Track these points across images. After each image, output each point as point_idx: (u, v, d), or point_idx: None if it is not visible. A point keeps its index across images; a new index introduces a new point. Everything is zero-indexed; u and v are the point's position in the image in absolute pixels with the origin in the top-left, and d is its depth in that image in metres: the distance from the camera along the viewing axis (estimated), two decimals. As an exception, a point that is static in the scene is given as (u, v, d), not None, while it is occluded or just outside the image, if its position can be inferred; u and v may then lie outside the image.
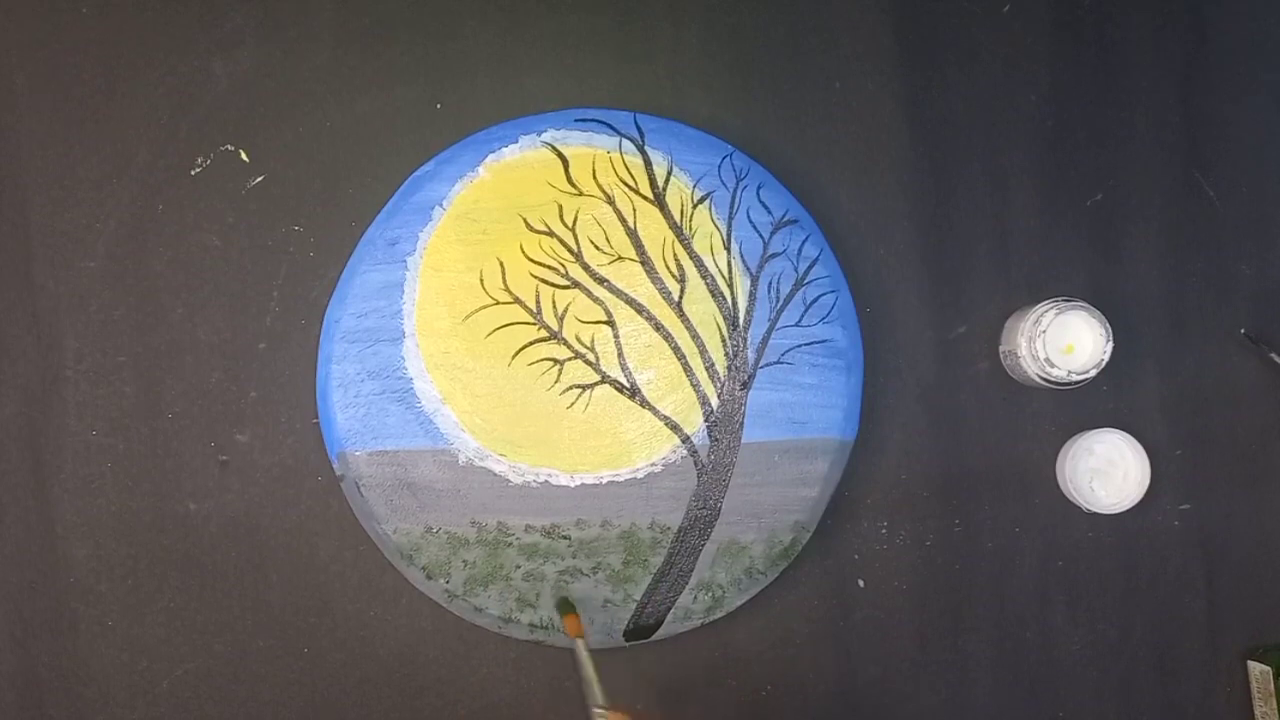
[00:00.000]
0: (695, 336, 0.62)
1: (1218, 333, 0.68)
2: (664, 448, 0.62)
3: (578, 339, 0.62)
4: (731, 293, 0.63)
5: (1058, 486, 0.66)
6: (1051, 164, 0.68)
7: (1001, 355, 0.66)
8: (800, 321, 0.63)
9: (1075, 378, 0.63)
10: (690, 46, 0.66)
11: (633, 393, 0.62)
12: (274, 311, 0.64)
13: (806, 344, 0.63)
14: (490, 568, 0.62)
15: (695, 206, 0.63)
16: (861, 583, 0.66)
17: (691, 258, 0.63)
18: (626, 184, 0.62)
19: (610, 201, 0.62)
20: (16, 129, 0.64)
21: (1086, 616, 0.67)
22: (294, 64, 0.65)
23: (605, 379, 0.62)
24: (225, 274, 0.64)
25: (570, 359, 0.62)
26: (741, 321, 0.63)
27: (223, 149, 0.64)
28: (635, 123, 0.63)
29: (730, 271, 0.63)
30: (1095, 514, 0.65)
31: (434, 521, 0.61)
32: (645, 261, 0.62)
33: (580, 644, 0.58)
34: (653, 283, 0.62)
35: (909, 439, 0.66)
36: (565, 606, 0.61)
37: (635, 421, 0.62)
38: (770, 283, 0.63)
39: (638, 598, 0.62)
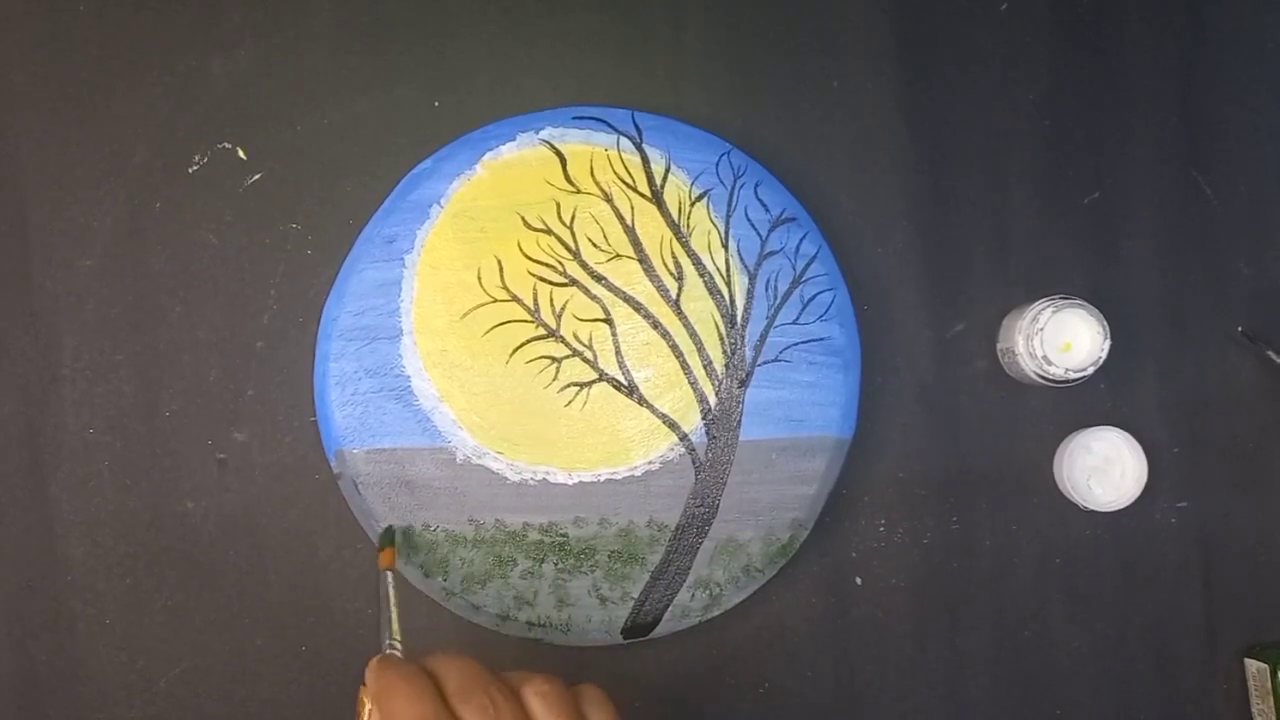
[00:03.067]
0: (693, 334, 0.62)
1: (1216, 331, 0.68)
2: (662, 445, 0.62)
3: (575, 337, 0.62)
4: (729, 290, 0.63)
5: (1055, 484, 0.66)
6: (1049, 162, 0.68)
7: (999, 353, 0.66)
8: (798, 319, 0.63)
9: (1073, 376, 0.63)
10: (688, 45, 0.66)
11: (630, 390, 0.62)
12: (271, 310, 0.64)
13: (804, 342, 0.63)
14: (488, 566, 0.62)
15: (693, 204, 0.63)
16: (859, 580, 0.66)
17: (689, 255, 0.63)
18: (624, 181, 0.62)
19: (608, 199, 0.62)
20: (14, 127, 0.64)
21: (1084, 614, 0.67)
22: (292, 62, 0.65)
23: (603, 377, 0.62)
24: (223, 272, 0.64)
25: (568, 357, 0.62)
26: (739, 319, 0.63)
27: (220, 147, 0.64)
28: (633, 120, 0.63)
29: (728, 269, 0.63)
30: (1093, 512, 0.65)
31: (431, 519, 0.61)
32: (643, 259, 0.63)
33: (389, 576, 0.56)
34: (650, 280, 0.62)
35: (907, 437, 0.66)
36: (387, 538, 0.60)
37: (633, 419, 0.62)
38: (768, 280, 0.63)
39: (635, 596, 0.62)
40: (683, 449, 0.62)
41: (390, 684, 0.46)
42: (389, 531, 0.61)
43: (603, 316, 0.62)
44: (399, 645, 0.52)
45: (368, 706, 0.48)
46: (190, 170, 0.64)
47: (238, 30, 0.65)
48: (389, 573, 0.57)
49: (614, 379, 0.62)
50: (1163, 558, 0.67)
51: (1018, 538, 0.67)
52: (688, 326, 0.63)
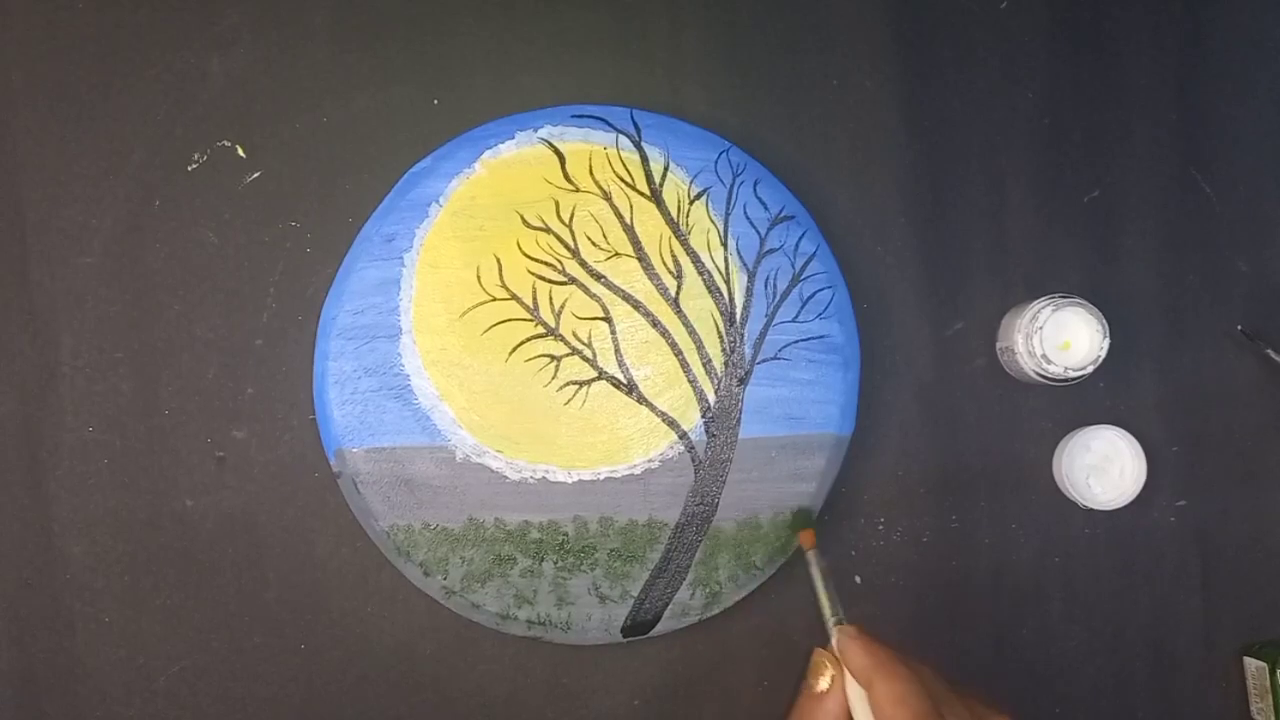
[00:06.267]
0: (692, 332, 0.62)
1: (1215, 330, 0.68)
2: (661, 444, 0.62)
3: (575, 335, 0.62)
4: (728, 289, 0.63)
5: (1054, 483, 0.66)
6: (1048, 161, 0.68)
7: (998, 352, 0.66)
8: (797, 317, 0.63)
9: (1072, 374, 0.63)
10: (688, 43, 0.66)
11: (630, 389, 0.62)
12: (270, 308, 0.64)
13: (803, 340, 0.63)
14: (487, 564, 0.61)
15: (692, 202, 0.63)
16: (858, 579, 0.66)
17: (688, 254, 0.63)
18: (623, 180, 0.62)
19: (607, 198, 0.62)
20: (12, 125, 0.64)
21: (1082, 612, 0.67)
22: (291, 60, 0.65)
23: (602, 375, 0.62)
24: (222, 270, 0.64)
25: (567, 355, 0.62)
26: (738, 317, 0.63)
27: (219, 145, 0.64)
28: (632, 119, 0.63)
29: (727, 267, 0.63)
30: (1092, 510, 0.65)
31: (431, 518, 0.61)
32: (642, 258, 0.63)
33: (813, 555, 0.56)
34: (650, 279, 0.62)
35: (906, 435, 0.66)
36: (802, 519, 0.61)
37: (632, 418, 0.62)
38: (767, 279, 0.63)
39: (635, 594, 0.62)
40: (682, 447, 0.62)
41: (890, 668, 0.46)
42: (803, 512, 0.62)
43: (602, 315, 0.62)
44: (836, 625, 0.52)
45: (830, 672, 0.49)
46: (189, 168, 0.64)
47: (235, 28, 0.65)
48: (814, 551, 0.57)
49: (613, 377, 0.62)
50: (1161, 556, 0.67)
51: (1017, 536, 0.67)
52: (687, 325, 0.63)
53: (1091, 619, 0.67)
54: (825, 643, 0.52)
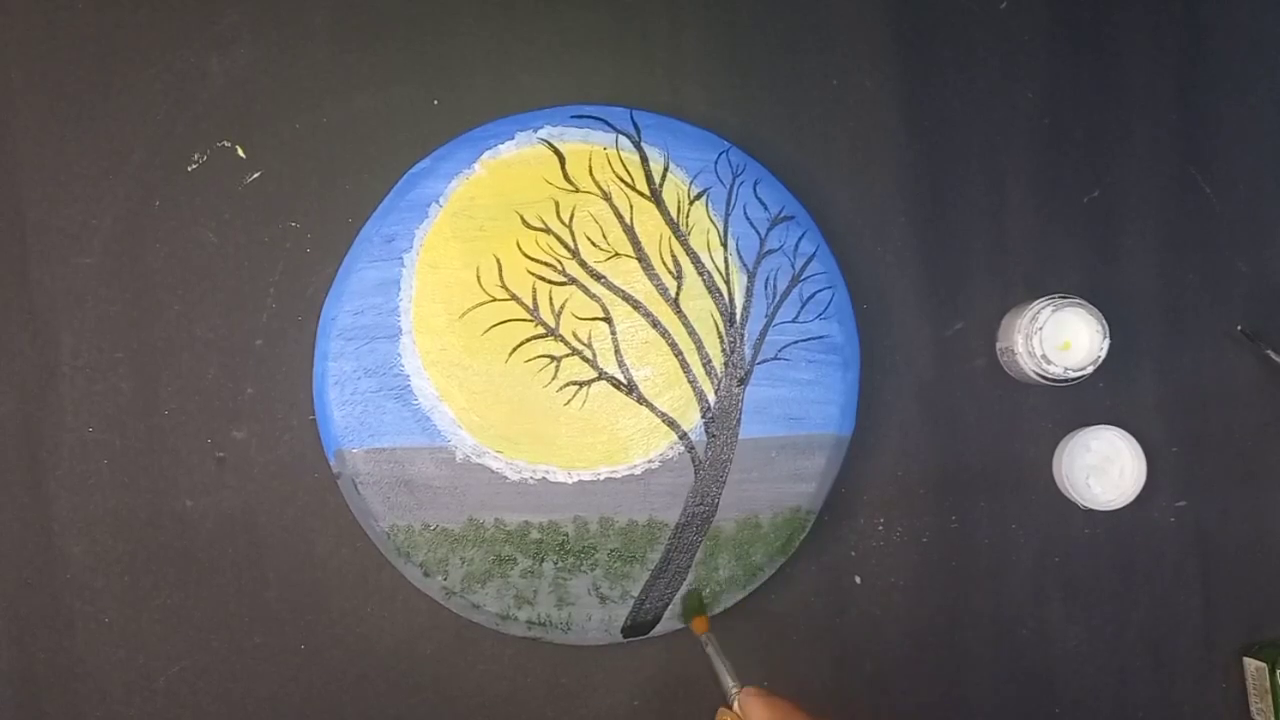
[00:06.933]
0: (692, 333, 0.62)
1: (1214, 330, 0.68)
2: (661, 444, 0.62)
3: (575, 335, 0.62)
4: (728, 289, 0.63)
5: (1054, 483, 0.66)
6: (1048, 161, 0.68)
7: (998, 352, 0.66)
8: (797, 318, 0.63)
9: (1072, 375, 0.63)
10: (687, 43, 0.66)
11: (630, 389, 0.62)
12: (270, 308, 0.64)
13: (803, 340, 0.63)
14: (487, 565, 0.61)
15: (692, 203, 0.63)
16: (858, 579, 0.66)
17: (688, 254, 0.63)
18: (623, 180, 0.62)
19: (607, 198, 0.62)
20: (12, 125, 0.64)
21: (1082, 613, 0.67)
22: (290, 60, 0.65)
23: (602, 375, 0.62)
24: (222, 270, 0.64)
25: (567, 355, 0.62)
26: (738, 318, 0.63)
27: (219, 145, 0.64)
28: (631, 119, 0.63)
29: (727, 268, 0.63)
30: (1092, 511, 0.65)
31: (431, 519, 0.61)
32: (642, 258, 0.62)
33: (706, 638, 0.59)
34: (650, 279, 0.62)
35: (906, 435, 0.66)
36: (695, 608, 0.62)
37: (632, 418, 0.62)
38: (767, 279, 0.63)
39: (635, 594, 0.62)
40: (682, 447, 0.62)
41: (791, 717, 0.52)
42: (693, 597, 0.62)
43: (602, 315, 0.62)
44: (738, 691, 0.56)
45: None
46: (189, 168, 0.64)
47: (235, 28, 0.65)
48: (706, 635, 0.59)
49: (613, 377, 0.62)
50: (1161, 556, 0.67)
51: (1016, 536, 0.67)
52: (687, 325, 0.63)
53: (1091, 619, 0.67)
54: (728, 703, 0.56)
